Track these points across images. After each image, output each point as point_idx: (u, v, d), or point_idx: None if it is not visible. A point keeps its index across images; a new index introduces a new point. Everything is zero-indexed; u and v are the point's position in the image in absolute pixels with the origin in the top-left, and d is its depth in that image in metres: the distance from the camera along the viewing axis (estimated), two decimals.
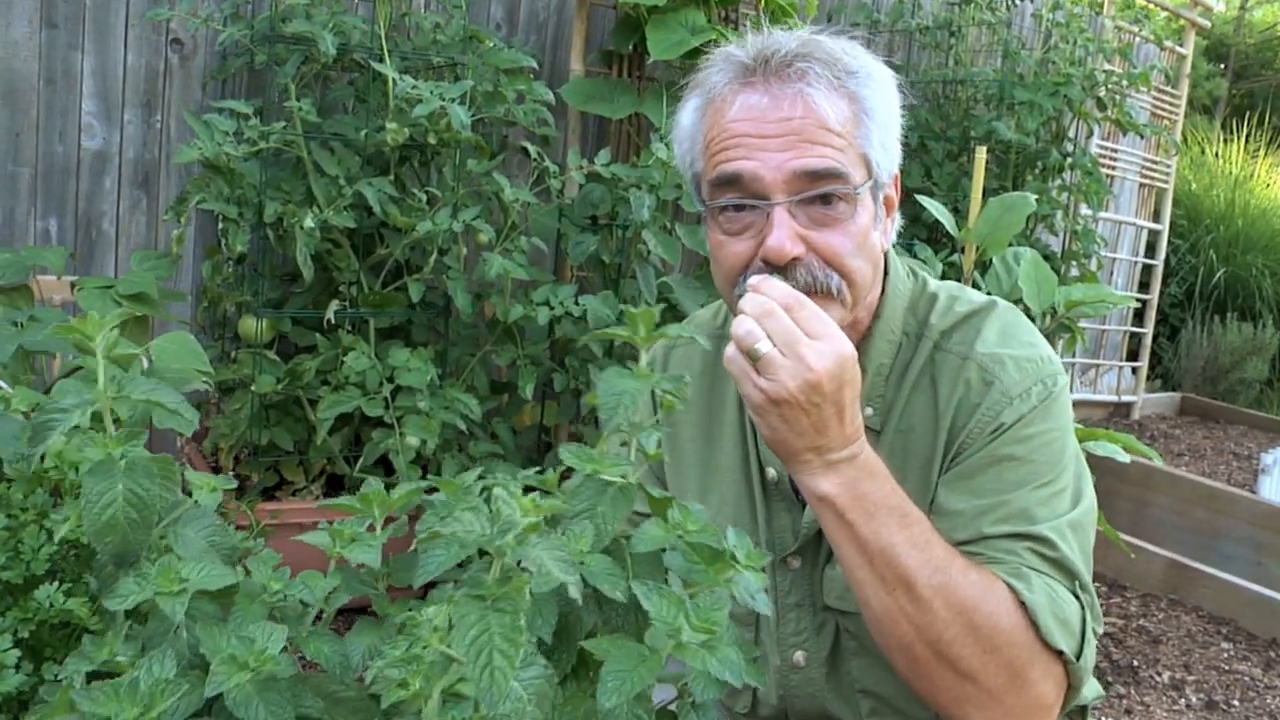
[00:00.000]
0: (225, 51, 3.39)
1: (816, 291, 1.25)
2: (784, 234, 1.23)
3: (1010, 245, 3.81)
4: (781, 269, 1.24)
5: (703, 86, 1.32)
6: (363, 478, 3.08)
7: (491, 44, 3.14)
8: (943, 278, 3.42)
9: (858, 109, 1.27)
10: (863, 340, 1.36)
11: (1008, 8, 4.60)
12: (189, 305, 3.53)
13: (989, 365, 1.31)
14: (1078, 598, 1.23)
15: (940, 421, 1.32)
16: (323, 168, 2.78)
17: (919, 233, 4.26)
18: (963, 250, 2.88)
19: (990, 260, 2.88)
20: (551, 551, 0.75)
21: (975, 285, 2.96)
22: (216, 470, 3.16)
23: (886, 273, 1.39)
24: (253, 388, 2.81)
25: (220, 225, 2.81)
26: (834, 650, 1.41)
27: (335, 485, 3.24)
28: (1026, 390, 1.29)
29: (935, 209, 2.79)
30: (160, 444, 3.63)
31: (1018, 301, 2.70)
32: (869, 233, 1.29)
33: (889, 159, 1.32)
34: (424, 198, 2.84)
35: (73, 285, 2.70)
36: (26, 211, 3.46)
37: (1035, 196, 4.28)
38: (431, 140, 2.84)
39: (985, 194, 4.32)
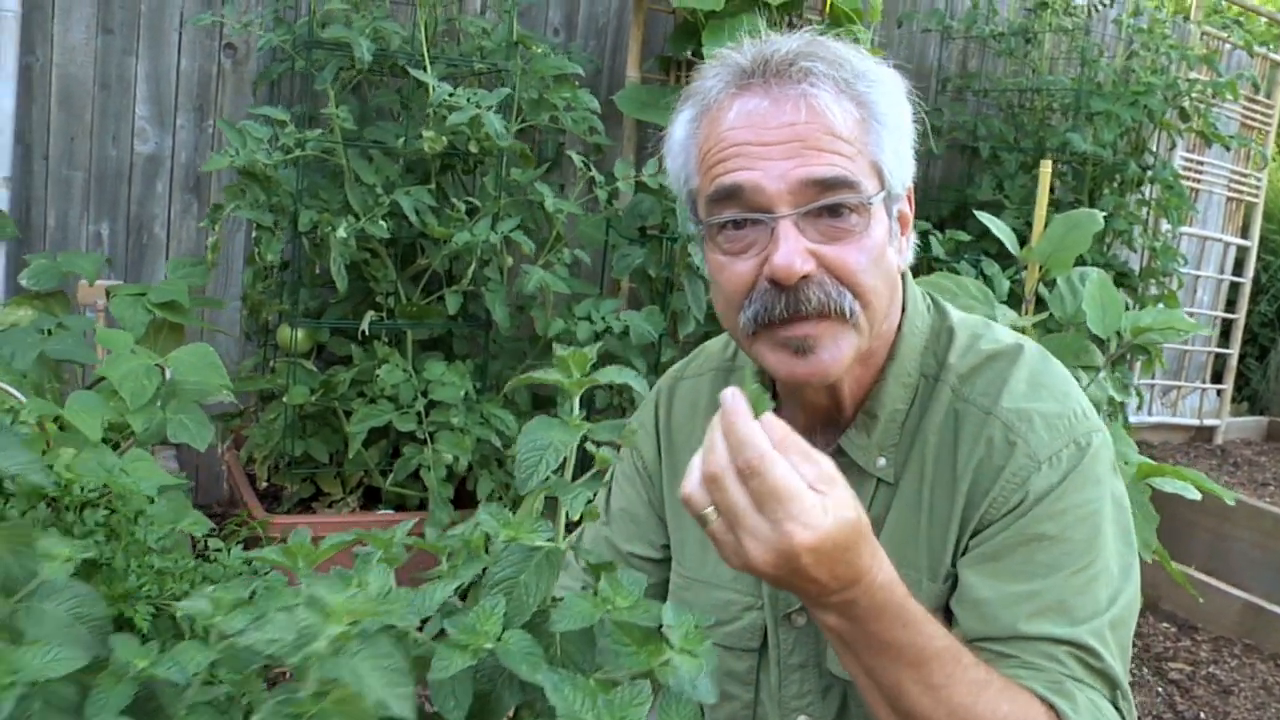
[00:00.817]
0: (276, 56, 3.36)
1: (830, 314, 1.12)
2: (791, 249, 1.10)
3: (1082, 264, 3.63)
4: (791, 289, 1.12)
5: (697, 95, 1.20)
6: (398, 492, 3.05)
7: (540, 50, 3.06)
8: (1009, 295, 3.27)
9: (867, 113, 1.15)
10: (875, 382, 1.24)
11: (1088, 13, 4.40)
12: (238, 311, 3.51)
13: (1014, 423, 1.17)
14: (1118, 708, 1.10)
15: (958, 483, 1.18)
16: (360, 176, 2.72)
17: (989, 247, 4.09)
18: (1025, 270, 2.73)
19: (1055, 281, 2.72)
20: (376, 661, 0.64)
21: (1039, 305, 2.80)
22: (254, 479, 3.13)
23: (904, 307, 1.27)
24: (283, 398, 2.77)
25: (254, 233, 2.77)
26: (841, 715, 1.29)
27: (374, 497, 3.18)
28: (1056, 453, 1.15)
29: (994, 225, 2.64)
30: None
31: (1080, 326, 2.54)
32: (884, 249, 1.16)
33: (903, 169, 1.19)
34: (463, 207, 2.77)
35: (108, 292, 2.67)
36: (79, 215, 3.48)
37: (1106, 213, 4.08)
38: (473, 149, 2.77)
39: (1059, 208, 4.14)
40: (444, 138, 2.68)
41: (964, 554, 1.17)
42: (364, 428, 2.74)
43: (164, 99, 3.51)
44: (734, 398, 0.97)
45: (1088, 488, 1.15)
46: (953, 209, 4.35)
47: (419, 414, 2.79)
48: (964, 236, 3.70)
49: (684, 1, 3.42)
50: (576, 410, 0.85)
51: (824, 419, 1.28)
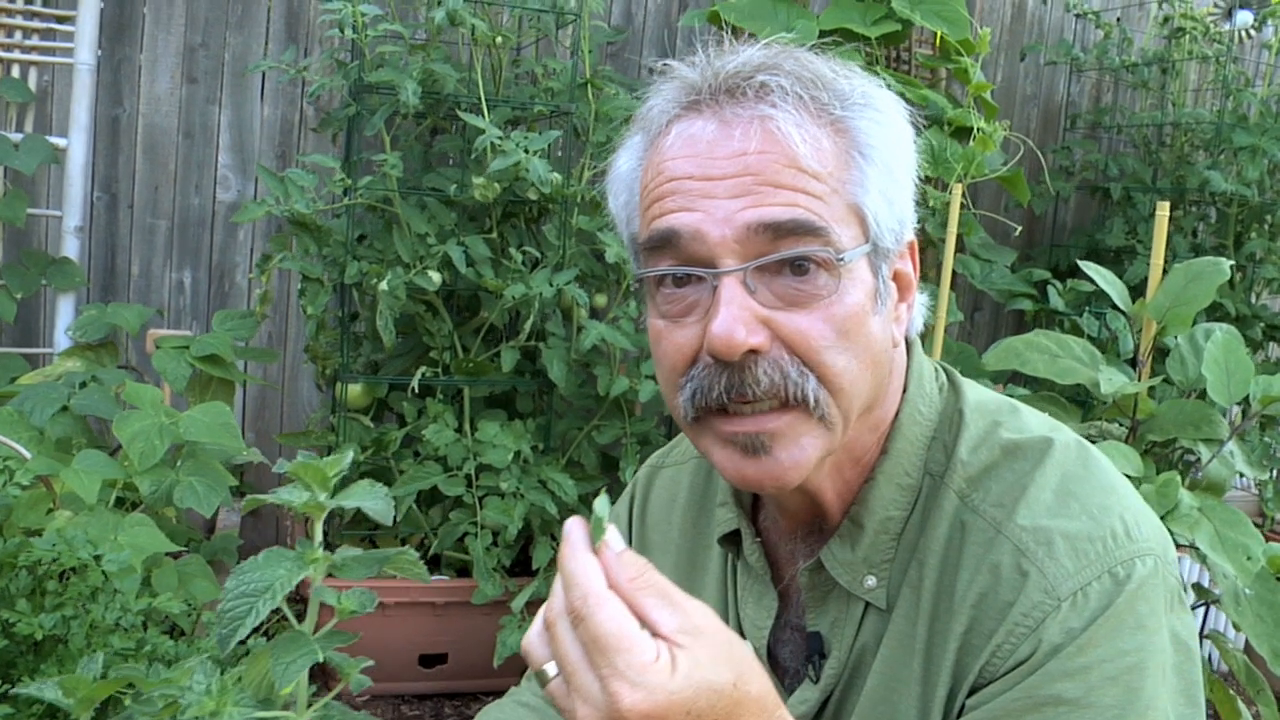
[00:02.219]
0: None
1: (786, 401, 0.89)
2: (734, 315, 0.87)
3: (1223, 318, 3.25)
4: (735, 366, 0.88)
5: (644, 119, 0.98)
6: (459, 557, 2.88)
7: (611, 91, 2.89)
8: (1135, 352, 2.92)
9: (847, 144, 0.92)
10: (864, 484, 0.99)
11: (1236, 39, 3.99)
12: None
13: (1029, 546, 0.90)
14: None
15: (954, 619, 0.92)
16: (411, 225, 2.59)
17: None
18: (1140, 328, 2.40)
19: (1177, 338, 2.38)
20: None
21: (1155, 365, 2.46)
22: None
23: (906, 388, 1.02)
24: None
25: (300, 286, 2.66)
26: None
27: (436, 559, 3.03)
28: (1082, 588, 0.87)
29: (1100, 276, 2.33)
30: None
31: (1201, 395, 2.21)
32: (863, 318, 0.91)
33: (895, 217, 0.95)
34: (519, 258, 2.61)
35: (156, 343, 2.61)
36: (163, 263, 3.47)
37: (1256, 260, 3.66)
38: (531, 195, 2.61)
39: (1200, 254, 3.74)
40: (497, 184, 2.52)
41: (960, 716, 0.91)
42: (409, 490, 2.59)
43: (246, 147, 3.48)
44: (572, 527, 0.76)
45: (1123, 635, 0.87)
46: (1083, 255, 3.99)
47: (468, 477, 2.62)
48: (1086, 287, 3.35)
49: (777, 39, 3.22)
50: (319, 538, 0.66)
51: (807, 524, 1.04)
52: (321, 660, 0.68)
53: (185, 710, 0.66)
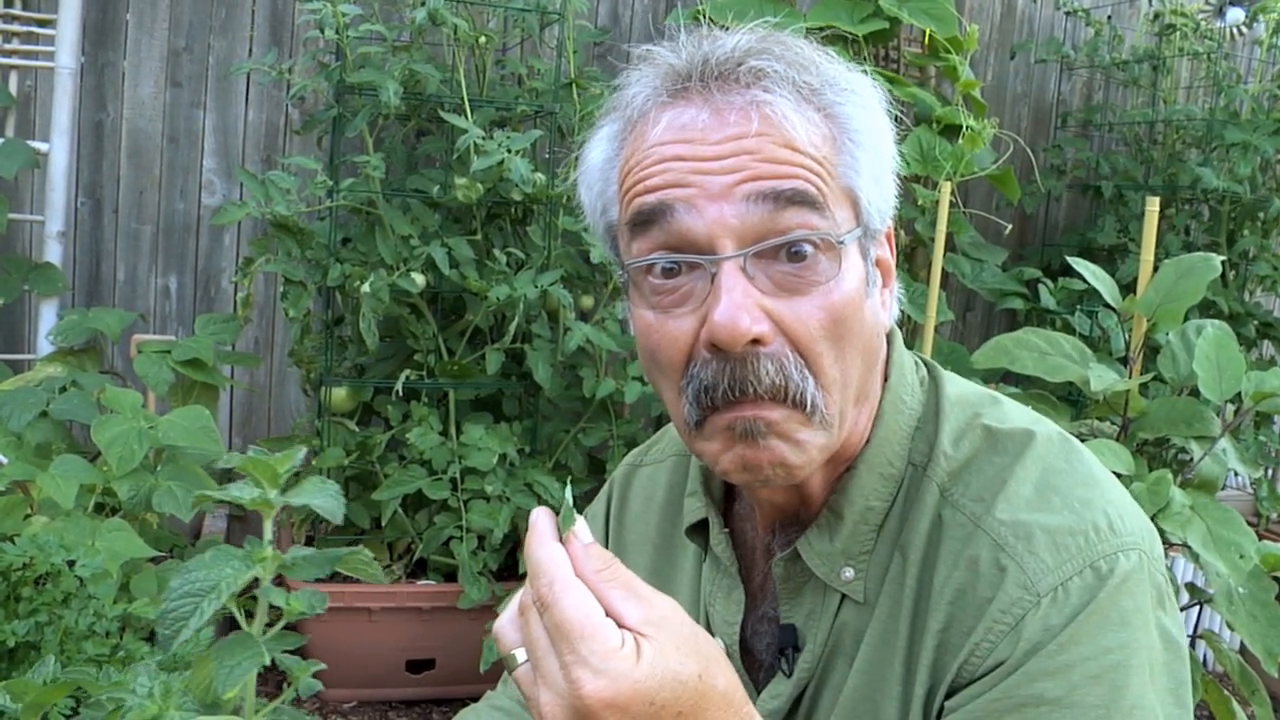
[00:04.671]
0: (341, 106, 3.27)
1: (789, 400, 0.85)
2: (736, 302, 0.83)
3: (1218, 315, 3.23)
4: (738, 359, 0.84)
5: (620, 107, 0.93)
6: (445, 561, 2.85)
7: (598, 91, 2.87)
8: (1127, 349, 2.91)
9: (837, 130, 0.89)
10: (846, 473, 0.96)
11: (1228, 36, 3.98)
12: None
13: (1008, 540, 0.87)
14: None
15: (931, 616, 0.89)
16: (394, 226, 2.56)
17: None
18: (1129, 323, 2.37)
19: (1168, 335, 2.35)
20: None
21: (1146, 362, 2.44)
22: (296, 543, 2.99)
23: (887, 377, 0.99)
24: (313, 461, 2.61)
25: (281, 289, 2.63)
26: None
27: (423, 563, 3.00)
28: (1063, 583, 0.84)
29: (1089, 272, 2.30)
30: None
31: (1193, 394, 2.18)
32: (860, 304, 0.89)
33: (883, 200, 0.92)
34: (503, 259, 2.58)
35: (138, 348, 2.58)
36: (148, 269, 3.44)
37: (1249, 257, 3.64)
38: (515, 196, 2.59)
39: (1192, 251, 3.72)
40: (480, 185, 2.50)
41: (940, 718, 0.88)
42: (394, 495, 2.56)
43: (231, 151, 3.45)
44: (538, 516, 0.75)
45: (1107, 631, 0.84)
46: (1075, 254, 3.96)
47: (453, 480, 2.59)
48: (1078, 285, 3.32)
49: (762, 22, 3.20)
50: (269, 536, 0.63)
51: (788, 515, 1.01)
52: (269, 662, 0.66)
53: (127, 713, 0.64)
